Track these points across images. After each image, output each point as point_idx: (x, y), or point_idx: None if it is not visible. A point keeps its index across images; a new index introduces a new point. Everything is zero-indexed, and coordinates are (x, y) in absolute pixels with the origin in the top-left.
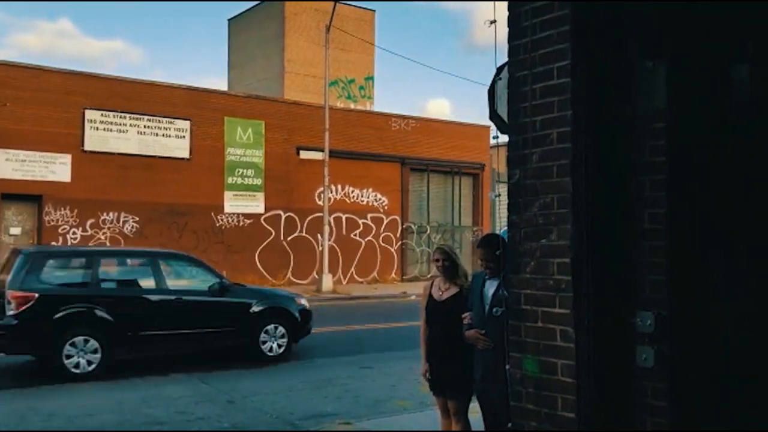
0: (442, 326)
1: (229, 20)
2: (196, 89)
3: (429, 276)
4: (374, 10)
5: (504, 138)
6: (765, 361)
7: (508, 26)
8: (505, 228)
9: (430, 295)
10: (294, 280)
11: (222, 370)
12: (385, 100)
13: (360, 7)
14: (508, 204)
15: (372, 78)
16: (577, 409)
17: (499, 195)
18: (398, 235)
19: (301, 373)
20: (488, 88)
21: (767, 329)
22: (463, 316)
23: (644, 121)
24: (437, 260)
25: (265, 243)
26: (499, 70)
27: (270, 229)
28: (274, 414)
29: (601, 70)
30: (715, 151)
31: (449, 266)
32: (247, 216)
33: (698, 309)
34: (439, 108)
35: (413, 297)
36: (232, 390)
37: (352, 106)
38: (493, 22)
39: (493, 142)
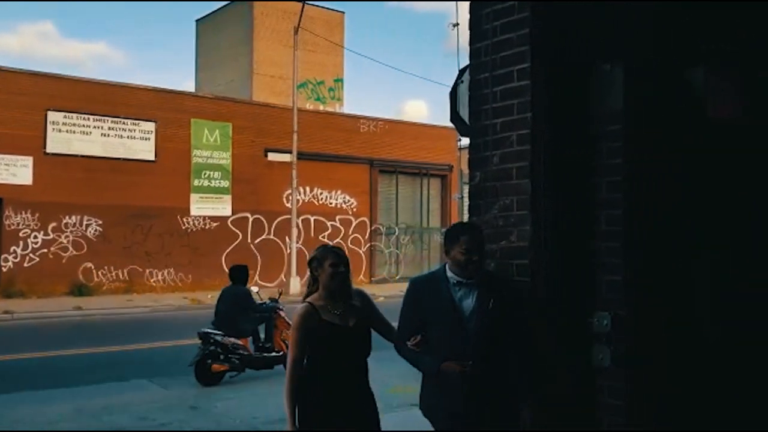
0: (355, 360)
1: (197, 21)
2: (161, 90)
3: (398, 281)
4: (343, 12)
5: (467, 141)
6: (725, 361)
7: (470, 29)
8: None
9: (327, 323)
10: (261, 282)
11: (185, 375)
12: (359, 102)
13: (329, 9)
14: (469, 206)
15: (341, 80)
16: None
17: (463, 197)
18: (367, 236)
19: (267, 377)
20: (450, 90)
21: (728, 329)
22: (415, 340)
23: (601, 123)
24: (335, 265)
25: (232, 246)
26: (461, 72)
27: (237, 231)
28: (237, 419)
29: (560, 73)
30: (673, 151)
31: (348, 277)
32: (213, 218)
33: (656, 309)
34: (415, 110)
35: (381, 298)
36: (195, 395)
37: (322, 108)
38: (456, 24)
39: (462, 144)
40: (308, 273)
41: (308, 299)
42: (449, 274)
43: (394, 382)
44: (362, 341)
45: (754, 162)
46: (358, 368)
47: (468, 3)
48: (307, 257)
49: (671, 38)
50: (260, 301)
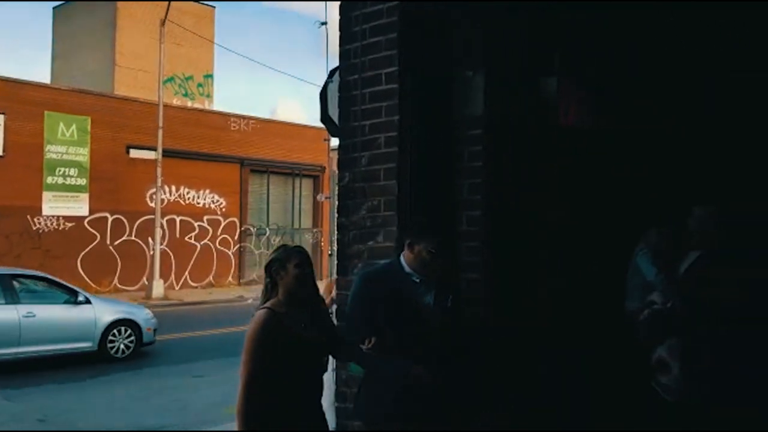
0: (315, 375)
1: (54, 8)
2: (11, 80)
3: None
4: (214, 7)
5: (336, 141)
6: (580, 357)
7: (340, 30)
8: None
9: (291, 333)
10: (121, 286)
11: (34, 386)
12: (231, 100)
13: (199, 2)
14: (338, 206)
15: (211, 76)
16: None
17: (329, 197)
18: (236, 237)
19: (125, 384)
20: (320, 90)
21: (583, 326)
22: (370, 343)
23: (464, 127)
24: (300, 266)
25: (89, 248)
26: (332, 72)
27: (95, 232)
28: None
29: (426, 78)
30: (530, 155)
31: (314, 280)
32: (68, 219)
33: (515, 305)
34: (290, 109)
35: (250, 301)
36: (44, 407)
37: (190, 104)
38: (324, 23)
39: (333, 144)
40: (265, 278)
41: (267, 305)
42: (408, 270)
43: None
44: (324, 354)
45: (604, 166)
46: (316, 384)
47: (338, 3)
48: (173, 259)
49: (529, 48)
50: None
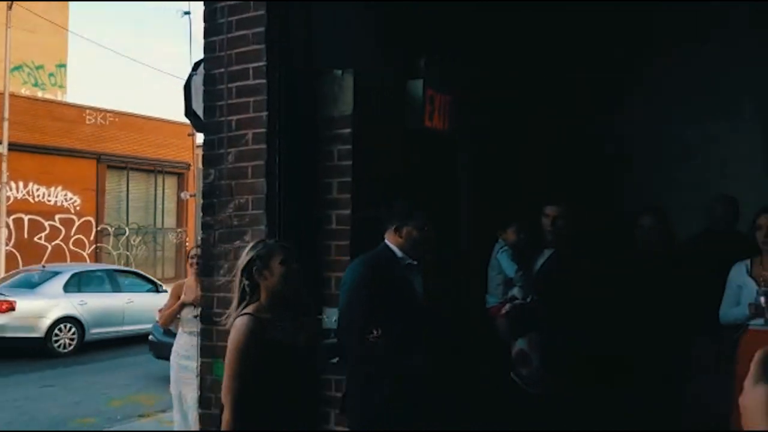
0: (305, 389)
1: None
2: None
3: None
4: None
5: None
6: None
7: (204, 21)
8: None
9: (276, 343)
10: None
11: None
12: (88, 92)
13: None
14: (203, 205)
15: (65, 66)
16: None
17: (194, 195)
18: (92, 238)
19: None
20: (184, 83)
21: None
22: (377, 333)
23: (333, 126)
24: (287, 262)
25: None
26: (197, 65)
27: None
28: None
29: (295, 74)
30: (398, 155)
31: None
32: None
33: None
34: (151, 102)
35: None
36: None
37: (40, 94)
38: (187, 13)
39: (199, 141)
40: (239, 282)
41: (247, 310)
42: (400, 254)
43: (112, 394)
44: (314, 359)
45: (466, 166)
46: (306, 399)
47: None
48: (20, 261)
49: (397, 52)
50: None
